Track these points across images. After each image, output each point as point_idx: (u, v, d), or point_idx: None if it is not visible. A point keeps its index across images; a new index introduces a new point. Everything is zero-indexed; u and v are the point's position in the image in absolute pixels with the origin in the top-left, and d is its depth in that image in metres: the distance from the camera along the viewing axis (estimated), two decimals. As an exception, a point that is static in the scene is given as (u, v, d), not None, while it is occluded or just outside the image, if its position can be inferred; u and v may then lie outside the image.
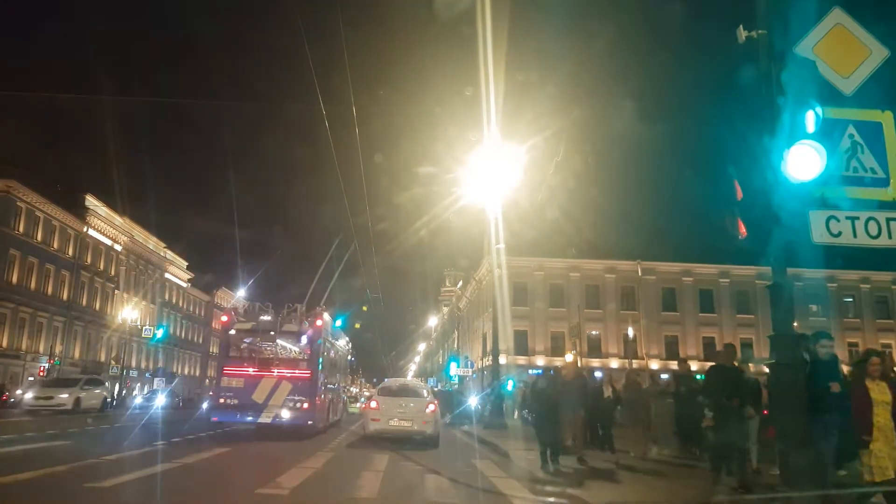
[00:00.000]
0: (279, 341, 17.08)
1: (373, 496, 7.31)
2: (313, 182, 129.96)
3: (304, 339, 16.34)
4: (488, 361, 36.31)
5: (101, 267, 50.92)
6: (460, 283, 68.61)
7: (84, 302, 48.40)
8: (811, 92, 5.55)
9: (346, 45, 12.11)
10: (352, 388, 40.77)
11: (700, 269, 49.17)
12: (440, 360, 69.37)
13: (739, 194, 6.05)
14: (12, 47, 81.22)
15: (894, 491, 5.77)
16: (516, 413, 25.49)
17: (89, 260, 48.99)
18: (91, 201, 48.25)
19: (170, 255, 64.99)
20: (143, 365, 59.10)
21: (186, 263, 69.65)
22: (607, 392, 12.86)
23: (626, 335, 46.53)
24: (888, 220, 5.75)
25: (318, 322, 16.29)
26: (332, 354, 18.97)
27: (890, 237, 5.71)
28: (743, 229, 6.02)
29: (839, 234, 5.73)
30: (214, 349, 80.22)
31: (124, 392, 47.01)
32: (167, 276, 64.86)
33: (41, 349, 42.22)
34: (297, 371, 15.73)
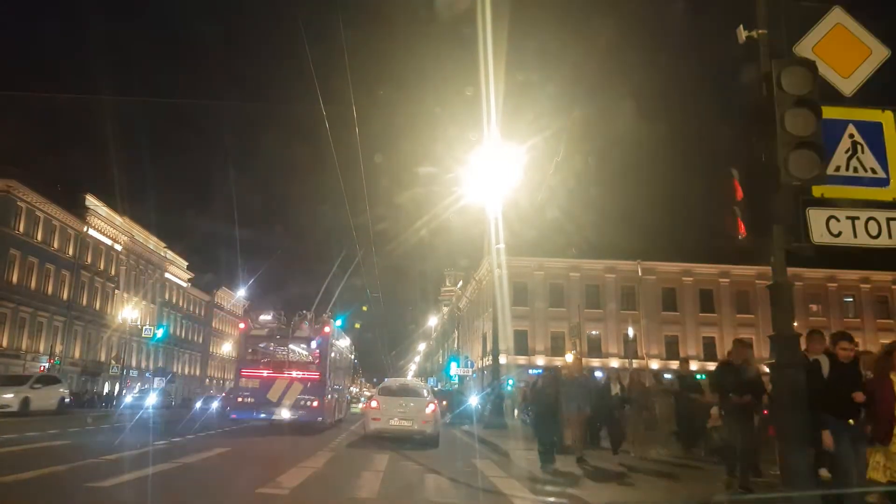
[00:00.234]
0: (291, 346, 18.49)
1: (373, 496, 7.31)
2: (313, 182, 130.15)
3: (313, 344, 18.07)
4: (488, 361, 36.32)
5: (102, 267, 50.93)
6: (460, 282, 68.60)
7: (84, 302, 48.41)
8: (811, 92, 5.55)
9: (346, 44, 12.12)
10: (352, 389, 40.94)
11: (700, 269, 49.17)
12: (440, 359, 69.39)
13: (740, 194, 6.04)
14: (12, 47, 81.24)
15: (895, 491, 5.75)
16: (516, 412, 25.51)
17: (89, 260, 49.00)
18: (91, 201, 48.26)
19: (170, 254, 65.01)
20: (143, 365, 59.11)
21: (186, 263, 69.69)
22: (615, 390, 12.72)
23: (627, 335, 46.54)
24: (888, 219, 5.74)
25: (326, 329, 18.14)
26: (337, 358, 20.43)
27: (890, 237, 5.71)
28: (743, 229, 6.02)
29: (839, 233, 5.72)
30: (214, 349, 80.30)
31: (116, 391, 47.03)
32: (167, 275, 64.87)
33: (41, 349, 42.22)
34: (307, 373, 17.41)
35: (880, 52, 5.95)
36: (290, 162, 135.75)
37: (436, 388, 37.33)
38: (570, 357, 34.74)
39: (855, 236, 5.73)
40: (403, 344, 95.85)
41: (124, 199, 47.40)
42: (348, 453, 12.16)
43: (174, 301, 67.39)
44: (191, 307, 73.15)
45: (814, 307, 47.87)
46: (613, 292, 48.81)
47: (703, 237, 39.38)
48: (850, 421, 6.05)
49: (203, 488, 7.55)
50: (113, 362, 50.80)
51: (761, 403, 8.31)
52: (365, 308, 44.94)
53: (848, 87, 5.98)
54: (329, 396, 18.32)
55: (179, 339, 68.61)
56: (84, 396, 40.71)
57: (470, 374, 48.81)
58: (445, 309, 75.81)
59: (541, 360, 44.79)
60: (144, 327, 55.42)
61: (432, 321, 76.98)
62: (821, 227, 5.70)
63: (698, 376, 12.76)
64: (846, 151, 5.90)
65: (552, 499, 7.63)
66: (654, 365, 44.22)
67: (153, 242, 60.96)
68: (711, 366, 40.23)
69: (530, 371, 41.07)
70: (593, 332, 47.34)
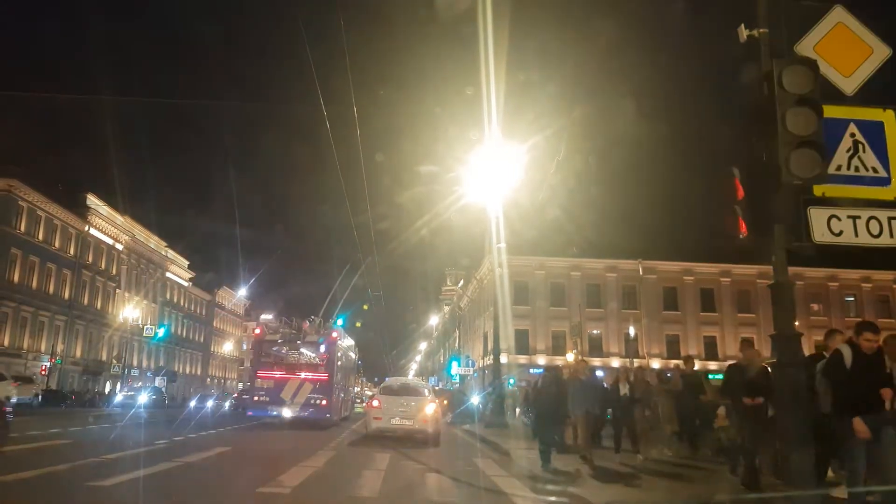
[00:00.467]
0: (301, 349, 20.07)
1: (374, 495, 7.31)
2: (314, 181, 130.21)
3: (322, 348, 19.81)
4: (489, 360, 36.30)
5: (103, 266, 50.97)
6: (461, 282, 68.57)
7: (85, 301, 48.45)
8: (812, 91, 5.54)
9: (346, 44, 12.10)
10: (354, 388, 41.36)
11: (701, 269, 49.13)
12: (441, 359, 69.42)
13: (741, 193, 6.04)
14: (12, 47, 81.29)
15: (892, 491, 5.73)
16: (517, 412, 25.51)
17: (91, 259, 49.04)
18: (92, 200, 48.29)
19: (171, 254, 65.06)
20: (144, 364, 59.16)
21: (188, 262, 69.74)
22: (623, 389, 12.50)
23: (628, 334, 46.47)
24: (889, 219, 5.74)
25: (334, 334, 20.42)
26: (344, 360, 22.26)
27: (891, 236, 5.70)
28: (744, 228, 6.01)
29: (840, 233, 5.72)
30: (216, 348, 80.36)
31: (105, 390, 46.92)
32: (168, 275, 64.92)
33: (42, 348, 42.27)
34: (316, 374, 19.10)
35: (881, 52, 5.94)
36: (290, 161, 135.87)
37: (437, 388, 37.38)
38: (570, 357, 34.81)
39: (856, 235, 5.73)
40: (404, 343, 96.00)
41: (125, 199, 47.49)
42: (349, 452, 12.16)
43: (175, 300, 67.44)
44: (192, 306, 73.21)
45: (815, 306, 47.81)
46: (614, 291, 48.79)
47: (704, 236, 39.36)
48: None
49: (203, 488, 7.55)
50: (114, 361, 50.87)
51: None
52: (366, 307, 44.99)
53: (849, 86, 5.97)
54: (336, 395, 19.97)
55: (180, 338, 68.67)
56: (85, 396, 40.78)
57: (471, 373, 48.82)
58: (446, 308, 75.81)
59: (542, 360, 44.78)
60: (146, 327, 55.51)
61: (433, 320, 77.02)
62: (822, 226, 5.70)
63: (711, 376, 12.61)
64: (847, 150, 5.90)
65: (553, 498, 7.62)
66: (656, 364, 44.19)
67: (154, 242, 61.00)
68: (713, 365, 40.50)
69: (531, 370, 41.09)
70: (594, 332, 47.31)
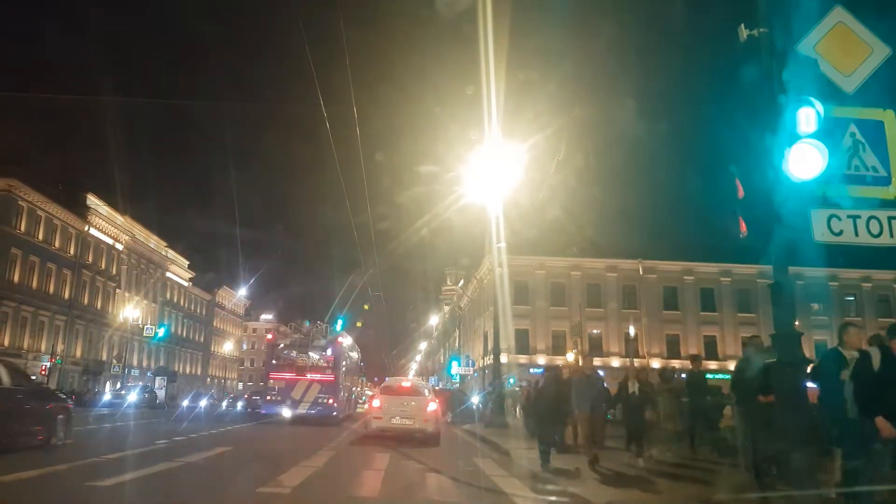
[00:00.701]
0: (310, 353, 21.96)
1: (374, 495, 7.32)
2: (314, 181, 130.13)
3: (328, 352, 21.91)
4: (489, 360, 36.30)
5: (103, 266, 50.99)
6: (461, 281, 68.57)
7: (85, 301, 48.47)
8: (812, 90, 5.54)
9: (346, 44, 12.11)
10: (357, 389, 41.91)
11: (701, 268, 49.14)
12: (441, 358, 69.41)
13: (741, 193, 6.03)
14: (13, 47, 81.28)
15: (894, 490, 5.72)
16: (518, 411, 25.50)
17: (91, 259, 49.06)
18: (92, 200, 48.30)
19: (171, 254, 65.08)
20: (144, 364, 59.16)
21: (188, 262, 69.77)
22: (632, 388, 12.35)
23: (628, 334, 46.44)
24: (889, 218, 5.73)
25: (339, 339, 22.89)
26: (348, 363, 24.29)
27: (891, 236, 5.69)
28: (744, 228, 6.01)
29: (840, 232, 5.71)
30: (216, 348, 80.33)
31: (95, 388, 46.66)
32: (168, 275, 64.94)
33: (43, 348, 42.30)
34: (323, 375, 21.04)
35: (882, 51, 5.93)
36: (290, 161, 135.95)
37: (437, 387, 37.38)
38: (570, 356, 34.79)
39: (856, 235, 5.71)
40: (404, 343, 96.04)
41: (125, 199, 47.57)
42: (350, 452, 12.16)
43: (175, 300, 67.47)
44: (192, 306, 73.23)
45: (815, 306, 47.80)
46: (614, 291, 48.79)
47: (703, 236, 39.43)
48: None
49: (204, 487, 7.55)
50: (114, 361, 50.89)
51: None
52: (367, 307, 45.05)
53: (849, 85, 5.96)
54: (342, 395, 22.01)
55: (181, 338, 68.70)
56: (86, 396, 40.73)
57: (471, 373, 48.82)
58: (446, 308, 75.82)
59: (542, 360, 44.78)
60: (146, 326, 55.57)
61: (433, 320, 77.02)
62: (822, 225, 5.69)
63: (711, 376, 12.55)
64: (847, 150, 5.89)
65: (553, 498, 7.62)
66: (656, 364, 44.19)
67: (154, 241, 61.01)
68: (713, 365, 40.47)
69: (531, 370, 41.07)
70: (594, 331, 47.28)
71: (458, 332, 65.97)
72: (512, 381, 32.72)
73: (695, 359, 13.29)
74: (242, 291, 73.40)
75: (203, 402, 38.06)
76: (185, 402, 37.97)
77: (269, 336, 24.14)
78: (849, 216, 5.72)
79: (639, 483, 8.63)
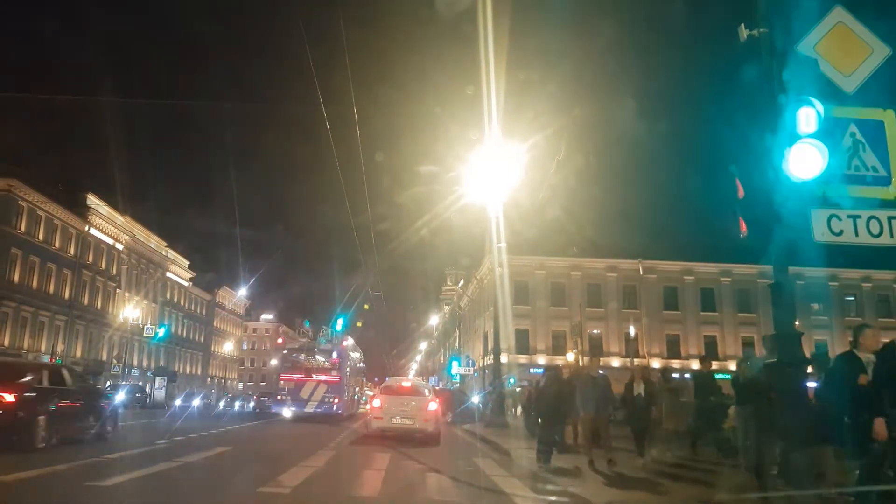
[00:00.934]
0: (317, 356, 24.06)
1: (374, 495, 7.32)
2: (314, 181, 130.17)
3: (334, 355, 24.16)
4: (489, 360, 36.29)
5: (103, 266, 50.96)
6: (461, 281, 68.56)
7: (86, 301, 48.44)
8: (813, 90, 5.54)
9: (346, 44, 12.11)
10: (359, 389, 42.52)
11: (701, 268, 49.12)
12: (441, 358, 69.39)
13: (741, 193, 6.04)
14: (13, 47, 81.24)
15: (893, 490, 5.71)
16: (519, 411, 25.52)
17: (91, 259, 49.03)
18: (93, 200, 48.27)
19: (171, 254, 65.05)
20: (144, 364, 59.15)
21: (188, 262, 69.74)
22: (638, 389, 12.19)
23: (628, 334, 46.46)
24: (889, 218, 5.73)
25: (344, 343, 27.02)
26: (352, 365, 26.85)
27: (891, 236, 5.69)
28: (744, 228, 6.01)
29: (841, 232, 5.71)
30: (216, 348, 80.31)
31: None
32: (169, 275, 64.92)
33: (43, 348, 42.27)
34: (329, 377, 22.96)
35: (882, 51, 5.94)
36: (290, 161, 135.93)
37: (437, 387, 37.37)
38: (570, 356, 34.76)
39: (856, 235, 5.71)
40: (405, 343, 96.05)
41: (126, 199, 47.45)
42: (350, 452, 12.17)
43: (175, 300, 67.44)
44: (192, 306, 73.21)
45: (815, 306, 47.78)
46: (615, 291, 48.77)
47: (704, 236, 39.41)
48: None
49: (204, 487, 7.55)
50: (114, 361, 50.86)
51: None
52: (367, 307, 45.03)
53: (849, 85, 5.97)
54: (346, 395, 24.08)
55: (181, 338, 68.67)
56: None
57: (471, 373, 48.79)
58: (447, 308, 75.80)
59: (542, 360, 44.75)
60: (146, 326, 55.50)
61: (433, 320, 77.00)
62: (822, 225, 5.69)
63: (721, 375, 12.48)
64: (848, 150, 5.89)
65: (553, 498, 7.62)
66: (656, 364, 44.21)
67: (154, 241, 60.99)
68: (713, 365, 40.39)
69: (531, 370, 41.06)
70: (594, 331, 47.24)
71: (458, 332, 65.95)
72: (512, 381, 32.74)
73: (704, 358, 13.22)
74: (242, 291, 73.31)
75: (196, 402, 37.67)
76: (178, 402, 37.55)
77: (280, 340, 26.62)
78: (849, 216, 5.72)
79: (639, 483, 8.63)
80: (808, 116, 5.44)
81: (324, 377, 22.91)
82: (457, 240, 48.67)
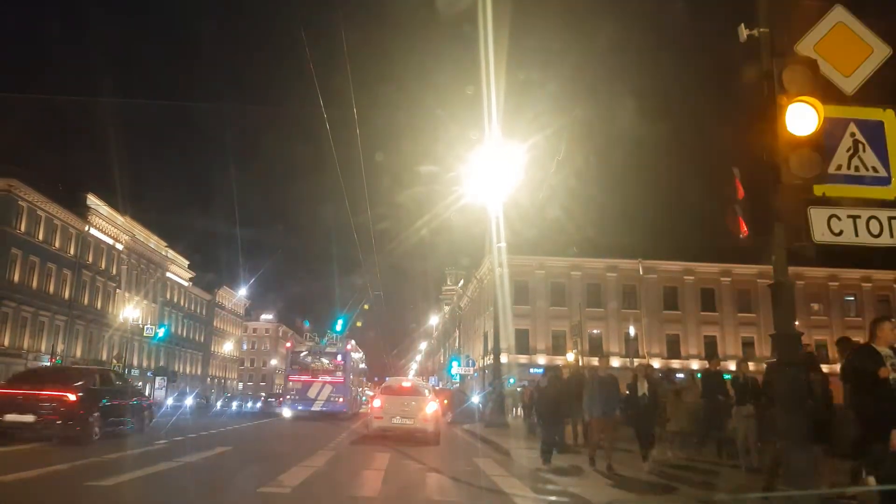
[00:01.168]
0: (322, 358, 25.72)
1: (374, 494, 7.32)
2: (314, 181, 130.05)
3: (339, 357, 25.84)
4: (489, 360, 36.29)
5: (103, 266, 50.96)
6: (461, 281, 68.55)
7: (86, 301, 48.44)
8: (812, 90, 5.54)
9: (346, 44, 12.11)
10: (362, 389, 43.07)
11: (701, 268, 49.11)
12: (441, 358, 69.40)
13: (741, 193, 6.04)
14: (13, 47, 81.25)
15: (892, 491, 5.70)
16: (517, 411, 25.52)
17: (91, 259, 49.02)
18: (93, 200, 48.27)
19: (171, 254, 65.05)
20: (144, 364, 59.15)
21: (188, 262, 69.73)
22: (642, 389, 12.04)
23: (628, 334, 46.49)
24: (889, 218, 5.73)
25: (348, 346, 27.93)
26: (355, 366, 28.56)
27: (891, 236, 5.69)
28: (744, 228, 6.01)
29: (840, 232, 5.71)
30: (216, 348, 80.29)
31: None
32: (168, 275, 64.91)
33: (43, 348, 42.27)
34: (334, 377, 24.73)
35: (882, 51, 5.93)
36: (290, 161, 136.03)
37: (437, 387, 37.37)
38: (570, 356, 34.74)
39: (856, 235, 5.71)
40: (405, 343, 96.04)
41: (126, 199, 47.42)
42: (350, 452, 12.17)
43: (175, 300, 67.44)
44: (192, 306, 73.20)
45: (815, 306, 47.80)
46: (615, 291, 48.76)
47: (704, 236, 39.33)
48: None
49: (204, 487, 7.55)
50: (114, 361, 50.83)
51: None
52: (367, 307, 45.01)
53: (849, 85, 5.96)
54: (350, 394, 26.11)
55: (181, 338, 68.67)
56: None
57: (471, 372, 48.78)
58: (447, 308, 75.81)
59: (542, 360, 44.77)
60: (146, 326, 55.49)
61: (433, 320, 77.00)
62: (822, 225, 5.69)
63: (725, 376, 12.40)
64: (847, 150, 5.89)
65: (554, 497, 7.62)
66: (656, 364, 44.21)
67: (154, 242, 60.99)
68: (720, 364, 40.31)
69: (531, 370, 41.08)
70: (594, 331, 47.24)
71: (458, 332, 65.93)
72: (512, 380, 32.74)
73: (711, 356, 13.14)
74: (242, 291, 73.38)
75: (189, 402, 37.34)
76: (170, 402, 37.03)
77: (288, 344, 27.88)
78: (849, 216, 5.72)
79: (640, 483, 8.62)
80: (807, 116, 5.43)
81: (329, 378, 24.52)
82: (457, 240, 48.70)
